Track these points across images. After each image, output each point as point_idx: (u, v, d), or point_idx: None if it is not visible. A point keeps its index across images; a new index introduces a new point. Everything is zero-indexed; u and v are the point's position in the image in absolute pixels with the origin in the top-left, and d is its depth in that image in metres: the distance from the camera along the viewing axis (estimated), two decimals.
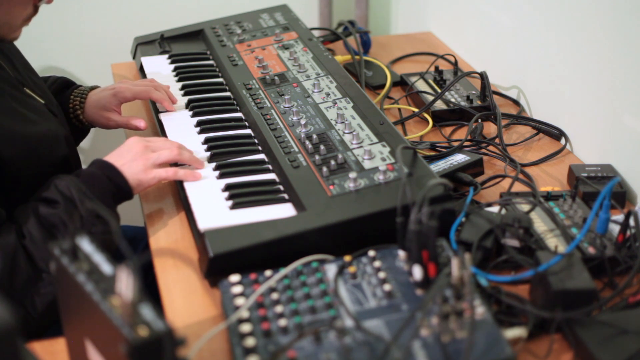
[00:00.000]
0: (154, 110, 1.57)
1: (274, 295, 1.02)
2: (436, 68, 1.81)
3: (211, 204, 1.24)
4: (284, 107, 1.46)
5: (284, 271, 1.07)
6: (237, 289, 1.04)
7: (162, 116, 1.53)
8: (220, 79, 1.67)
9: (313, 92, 1.51)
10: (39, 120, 1.33)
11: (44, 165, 1.31)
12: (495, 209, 1.25)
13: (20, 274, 1.15)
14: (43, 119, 1.34)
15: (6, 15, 1.29)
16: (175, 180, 1.31)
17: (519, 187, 1.37)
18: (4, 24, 1.30)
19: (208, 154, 1.38)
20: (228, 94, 1.61)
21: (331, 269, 1.07)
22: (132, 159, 1.27)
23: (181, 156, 1.31)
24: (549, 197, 1.29)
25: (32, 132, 1.30)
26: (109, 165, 1.25)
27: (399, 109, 1.70)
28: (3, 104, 1.28)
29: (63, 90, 1.61)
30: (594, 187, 1.32)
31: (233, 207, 1.23)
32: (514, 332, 0.99)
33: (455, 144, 1.49)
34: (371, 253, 1.09)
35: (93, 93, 1.59)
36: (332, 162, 1.27)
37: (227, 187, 1.28)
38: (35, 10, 1.35)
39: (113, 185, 1.24)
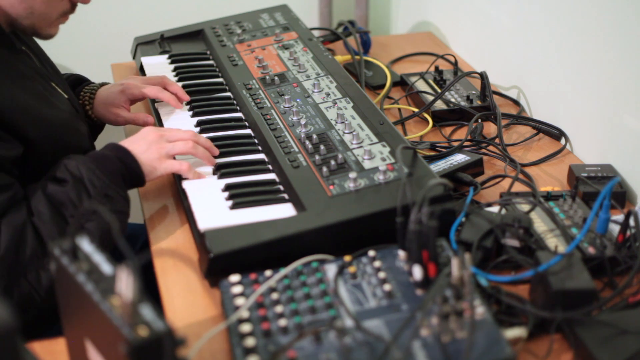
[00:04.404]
0: (154, 109, 1.57)
1: (274, 295, 1.02)
2: (436, 68, 1.81)
3: (211, 204, 1.24)
4: (284, 107, 1.46)
5: (284, 271, 1.07)
6: (237, 289, 1.04)
7: (162, 116, 1.53)
8: (220, 79, 1.67)
9: (313, 92, 1.51)
10: (65, 109, 1.34)
11: (68, 152, 1.30)
12: (495, 209, 1.25)
13: (26, 248, 1.15)
14: (67, 111, 1.36)
15: (43, 6, 1.29)
16: (183, 175, 1.30)
17: (519, 187, 1.37)
18: (41, 15, 1.30)
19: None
20: (228, 94, 1.61)
21: (331, 269, 1.07)
22: (147, 146, 1.27)
23: (195, 150, 1.31)
24: (549, 197, 1.29)
25: (58, 117, 1.31)
26: (123, 148, 1.26)
27: (399, 109, 1.70)
28: (32, 86, 1.29)
29: (75, 87, 1.62)
30: (594, 187, 1.31)
31: (233, 207, 1.23)
32: (514, 332, 0.99)
33: (455, 144, 1.49)
34: (371, 253, 1.09)
35: (102, 90, 1.59)
36: (332, 162, 1.27)
37: (227, 187, 1.28)
38: (73, 7, 1.35)
39: (125, 167, 1.24)
